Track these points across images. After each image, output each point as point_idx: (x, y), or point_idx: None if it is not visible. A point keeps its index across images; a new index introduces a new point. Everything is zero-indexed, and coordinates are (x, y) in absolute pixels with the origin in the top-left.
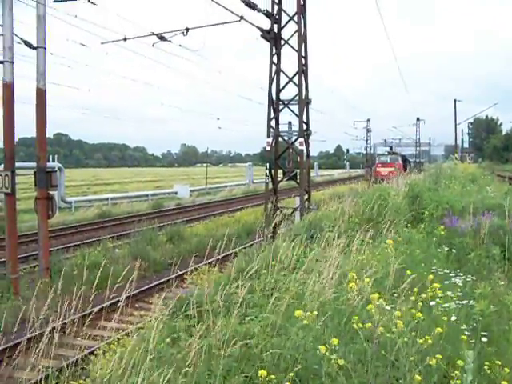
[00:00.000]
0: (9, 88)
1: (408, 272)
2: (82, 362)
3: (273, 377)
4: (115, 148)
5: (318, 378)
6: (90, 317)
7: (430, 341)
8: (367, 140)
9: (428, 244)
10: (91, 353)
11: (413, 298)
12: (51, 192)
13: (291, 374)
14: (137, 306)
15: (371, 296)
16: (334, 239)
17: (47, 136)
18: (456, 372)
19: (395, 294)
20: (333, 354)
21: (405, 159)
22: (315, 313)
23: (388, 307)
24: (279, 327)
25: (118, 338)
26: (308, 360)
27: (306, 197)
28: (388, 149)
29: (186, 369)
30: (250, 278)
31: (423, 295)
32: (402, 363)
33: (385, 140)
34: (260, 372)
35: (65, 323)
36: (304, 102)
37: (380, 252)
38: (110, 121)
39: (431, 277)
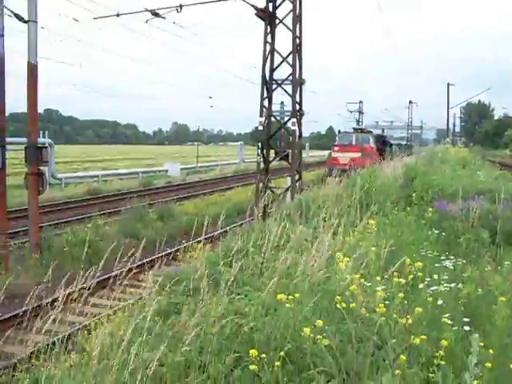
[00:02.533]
0: None
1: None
2: (74, 338)
3: (263, 356)
4: (106, 125)
5: (307, 358)
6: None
7: (410, 321)
8: (359, 122)
9: (418, 227)
10: (81, 329)
11: (403, 280)
12: (42, 168)
13: (281, 354)
14: (127, 283)
15: (353, 277)
16: (324, 220)
17: (38, 112)
18: (440, 352)
19: (385, 276)
20: (319, 335)
21: (383, 140)
22: (297, 295)
23: (379, 288)
24: (269, 306)
25: (109, 315)
26: (297, 340)
27: (297, 177)
28: (380, 131)
29: (183, 348)
30: (240, 257)
31: (410, 277)
32: (385, 342)
33: (377, 122)
34: (251, 351)
35: (55, 299)
36: (298, 83)
37: (370, 234)
38: (101, 97)
39: (408, 261)
